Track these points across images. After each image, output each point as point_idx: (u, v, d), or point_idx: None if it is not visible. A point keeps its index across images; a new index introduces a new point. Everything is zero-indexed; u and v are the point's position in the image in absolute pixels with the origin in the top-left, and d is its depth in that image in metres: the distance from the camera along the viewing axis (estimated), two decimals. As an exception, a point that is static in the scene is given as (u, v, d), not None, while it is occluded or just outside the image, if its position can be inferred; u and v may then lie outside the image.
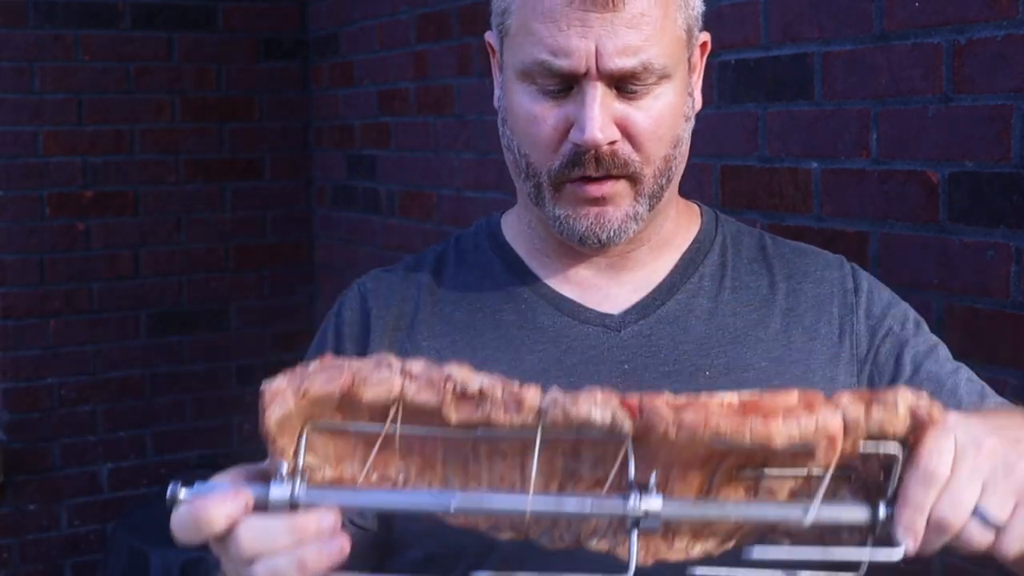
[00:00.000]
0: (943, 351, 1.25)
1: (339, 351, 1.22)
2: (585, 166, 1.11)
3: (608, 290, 1.22)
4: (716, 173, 2.13)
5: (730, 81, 2.09)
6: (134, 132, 3.66)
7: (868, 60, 1.82)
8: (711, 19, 2.22)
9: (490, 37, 1.23)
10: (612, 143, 1.11)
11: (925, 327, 1.26)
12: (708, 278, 1.24)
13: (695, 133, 1.20)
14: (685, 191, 1.29)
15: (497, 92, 1.22)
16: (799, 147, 1.96)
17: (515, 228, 1.29)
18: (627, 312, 1.20)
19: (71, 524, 3.60)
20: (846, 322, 1.22)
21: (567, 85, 1.11)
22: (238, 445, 3.82)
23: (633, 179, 1.14)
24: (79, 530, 3.61)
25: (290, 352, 3.82)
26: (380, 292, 1.27)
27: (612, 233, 1.15)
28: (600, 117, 1.09)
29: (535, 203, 1.18)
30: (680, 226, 1.26)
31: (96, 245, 3.61)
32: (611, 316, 1.20)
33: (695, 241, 1.26)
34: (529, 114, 1.13)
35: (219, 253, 3.81)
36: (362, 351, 1.20)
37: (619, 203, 1.14)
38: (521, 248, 1.27)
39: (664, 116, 1.13)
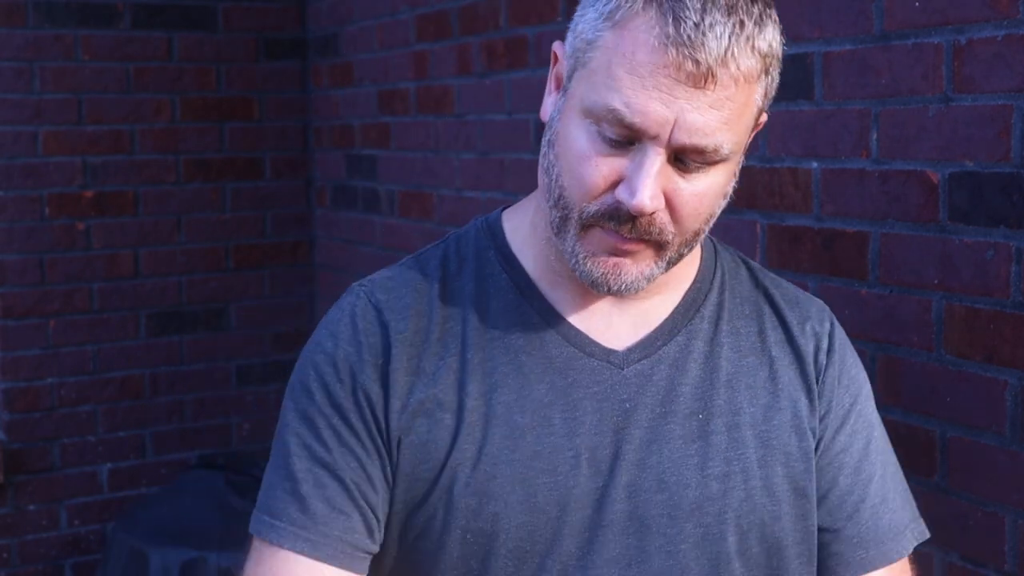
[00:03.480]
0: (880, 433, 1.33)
1: (360, 359, 1.20)
2: (620, 223, 1.11)
3: (611, 321, 1.24)
4: (716, 173, 2.13)
5: (730, 81, 2.09)
6: (134, 132, 3.66)
7: (868, 60, 1.82)
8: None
9: (560, 50, 1.19)
10: (653, 213, 1.10)
11: (873, 402, 1.34)
12: (706, 320, 1.27)
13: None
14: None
15: (551, 108, 1.19)
16: (799, 147, 1.96)
17: (524, 237, 1.27)
18: (631, 350, 1.23)
19: (71, 524, 3.60)
20: (820, 377, 1.28)
21: (629, 139, 1.09)
22: (238, 445, 3.82)
23: (660, 246, 1.14)
24: (79, 530, 3.61)
25: (290, 352, 3.82)
26: (393, 305, 1.22)
27: (624, 286, 1.16)
28: (654, 186, 1.08)
29: (556, 232, 1.17)
30: (683, 263, 1.25)
31: (96, 245, 3.61)
32: (616, 352, 1.22)
33: (696, 281, 1.29)
34: (582, 153, 1.11)
35: (219, 253, 3.81)
36: (383, 368, 1.19)
37: (639, 262, 1.15)
38: (530, 262, 1.25)
39: (709, 196, 1.14)
